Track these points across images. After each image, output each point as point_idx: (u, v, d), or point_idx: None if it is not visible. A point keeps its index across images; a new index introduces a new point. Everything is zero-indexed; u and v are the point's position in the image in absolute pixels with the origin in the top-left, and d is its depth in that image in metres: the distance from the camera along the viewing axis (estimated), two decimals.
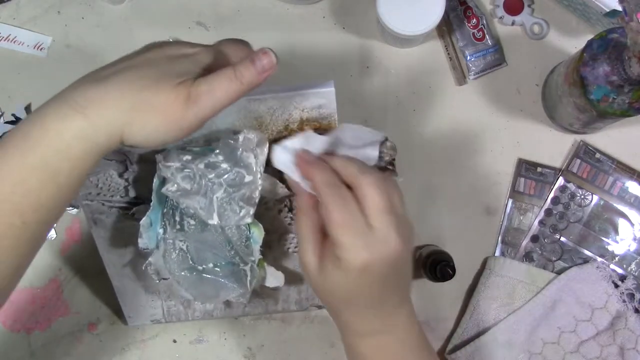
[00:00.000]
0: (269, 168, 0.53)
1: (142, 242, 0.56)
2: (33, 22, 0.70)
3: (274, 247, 0.62)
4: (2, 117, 0.70)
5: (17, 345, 0.69)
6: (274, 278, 0.59)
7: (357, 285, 0.44)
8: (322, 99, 0.56)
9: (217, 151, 0.52)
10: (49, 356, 0.69)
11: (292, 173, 0.49)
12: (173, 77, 0.40)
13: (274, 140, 0.55)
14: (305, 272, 0.47)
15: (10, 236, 0.39)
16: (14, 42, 0.70)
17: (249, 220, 0.53)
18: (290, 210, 0.60)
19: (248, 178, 0.52)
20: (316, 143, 0.49)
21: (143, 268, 0.60)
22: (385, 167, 0.54)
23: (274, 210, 0.60)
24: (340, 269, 0.44)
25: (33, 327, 0.69)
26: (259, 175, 0.53)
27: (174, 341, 0.70)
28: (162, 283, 0.63)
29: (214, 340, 0.70)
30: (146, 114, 0.40)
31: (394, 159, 0.55)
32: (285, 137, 0.54)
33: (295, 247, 0.62)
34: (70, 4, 0.70)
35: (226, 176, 0.52)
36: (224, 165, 0.52)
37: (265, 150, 0.53)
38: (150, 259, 0.59)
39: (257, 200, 0.53)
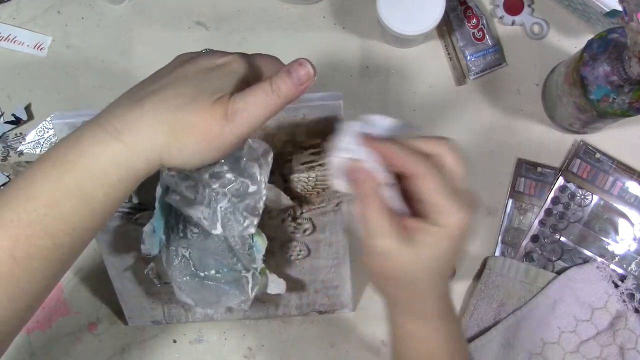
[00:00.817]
0: (273, 177, 0.53)
1: (145, 248, 0.56)
2: (33, 22, 0.70)
3: (277, 255, 0.62)
4: (2, 117, 0.70)
5: (17, 345, 0.69)
6: (275, 285, 0.59)
7: (454, 249, 0.43)
8: (330, 111, 0.55)
9: (222, 161, 0.52)
10: (49, 356, 0.69)
11: (357, 154, 0.44)
12: (209, 95, 0.39)
13: (279, 154, 0.55)
14: (380, 257, 0.43)
15: (41, 257, 0.39)
16: (14, 42, 0.70)
17: (252, 230, 0.52)
18: (294, 219, 0.60)
19: (252, 188, 0.51)
20: (381, 123, 0.45)
21: (145, 273, 0.60)
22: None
23: (277, 219, 0.59)
24: (438, 236, 0.42)
25: (33, 327, 0.69)
26: (263, 185, 0.52)
27: (174, 341, 0.70)
28: (164, 287, 0.63)
29: (214, 340, 0.70)
30: (184, 136, 0.38)
31: None
32: (290, 152, 0.55)
33: (298, 254, 0.62)
34: (70, 4, 0.70)
35: (230, 186, 0.51)
36: (229, 175, 0.51)
37: (270, 160, 0.52)
38: (151, 264, 0.59)
39: (261, 211, 0.52)
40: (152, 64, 0.75)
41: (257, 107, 0.39)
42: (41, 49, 0.70)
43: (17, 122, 0.69)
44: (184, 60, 0.42)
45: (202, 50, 0.47)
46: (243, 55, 0.42)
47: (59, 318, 0.69)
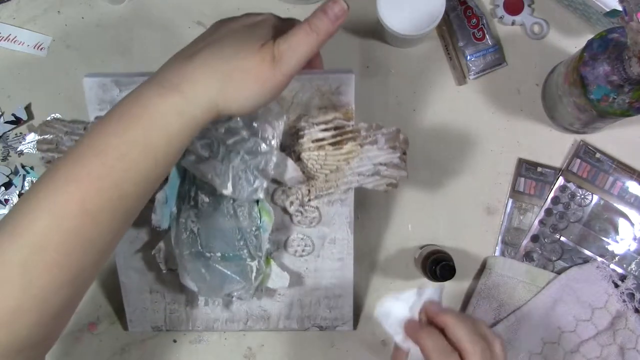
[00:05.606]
0: (285, 154, 0.55)
1: (156, 219, 0.57)
2: (33, 22, 0.70)
3: (281, 250, 0.62)
4: (2, 117, 0.70)
5: None
6: (278, 279, 0.60)
7: None
8: (342, 84, 0.57)
9: (238, 118, 0.53)
10: (49, 356, 0.69)
11: (397, 334, 0.51)
12: (255, 42, 0.42)
13: (295, 128, 0.56)
14: None
15: (108, 209, 0.41)
16: (14, 42, 0.70)
17: (261, 195, 0.54)
18: (302, 204, 0.60)
19: (264, 148, 0.54)
20: (424, 294, 0.51)
21: (152, 254, 0.60)
22: (398, 160, 0.56)
23: (286, 202, 0.60)
24: None
25: None
26: (275, 146, 0.54)
27: (174, 341, 0.70)
28: (168, 281, 0.63)
29: (214, 340, 0.70)
30: (239, 81, 0.41)
31: (405, 152, 0.56)
32: (302, 127, 0.56)
33: (303, 250, 0.62)
34: (70, 4, 0.70)
35: (244, 143, 0.53)
36: (243, 132, 0.53)
37: (282, 123, 0.55)
38: (160, 243, 0.59)
39: (271, 174, 0.54)
40: (152, 64, 0.75)
41: (300, 45, 0.42)
42: (41, 49, 0.70)
43: (17, 122, 0.69)
44: (223, 22, 0.45)
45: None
46: (273, 14, 0.46)
47: None
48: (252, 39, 0.42)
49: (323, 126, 0.57)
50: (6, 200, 0.70)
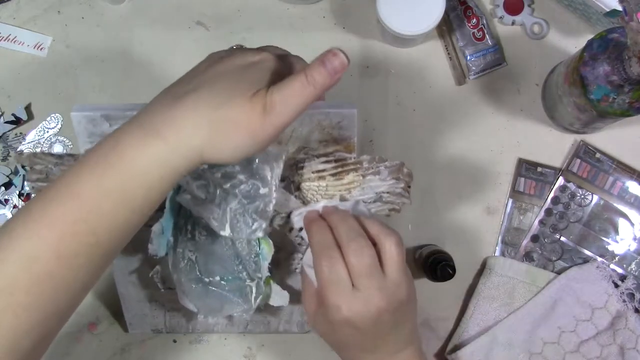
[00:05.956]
0: (284, 184, 0.54)
1: (152, 249, 0.56)
2: (33, 22, 0.70)
3: (282, 266, 0.61)
4: (2, 117, 0.70)
5: None
6: (279, 297, 0.59)
7: (344, 335, 0.49)
8: (344, 119, 0.56)
9: None
10: (49, 356, 0.69)
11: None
12: (246, 89, 0.40)
13: (295, 160, 0.56)
14: (306, 315, 0.50)
15: (84, 254, 0.39)
16: (14, 42, 0.70)
17: (260, 234, 0.52)
18: (301, 229, 0.60)
19: (263, 190, 0.52)
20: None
21: (150, 276, 0.59)
22: (402, 191, 0.55)
23: (284, 229, 0.59)
24: (327, 320, 0.49)
25: None
26: (274, 188, 0.52)
27: (174, 341, 0.70)
28: (167, 294, 0.62)
29: (214, 340, 0.70)
30: (227, 131, 0.39)
31: (409, 185, 0.55)
32: (302, 159, 0.56)
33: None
34: (70, 4, 0.70)
35: (241, 187, 0.51)
36: (240, 176, 0.51)
37: (281, 164, 0.52)
38: (157, 267, 0.59)
39: (270, 214, 0.52)
40: (152, 64, 0.75)
41: (294, 97, 0.40)
42: (41, 49, 0.70)
43: (17, 122, 0.69)
44: (217, 58, 0.43)
45: (232, 47, 0.48)
46: (272, 53, 0.43)
47: None
48: (244, 84, 0.40)
49: (324, 158, 0.55)
50: (6, 200, 0.69)
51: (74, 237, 0.39)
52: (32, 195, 0.69)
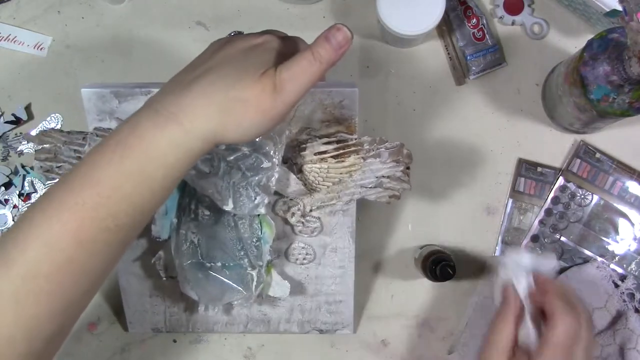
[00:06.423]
0: (287, 166, 0.55)
1: (155, 230, 0.57)
2: (33, 22, 0.70)
3: (282, 258, 0.62)
4: (2, 117, 0.70)
5: None
6: (279, 287, 0.59)
7: None
8: (345, 98, 0.57)
9: None
10: None
11: (518, 282, 0.50)
12: (255, 70, 0.41)
13: (297, 141, 0.56)
14: None
15: (103, 240, 0.40)
16: (14, 42, 0.70)
17: (262, 210, 0.53)
18: (303, 215, 0.60)
19: (266, 164, 0.53)
20: (547, 262, 0.52)
21: (152, 262, 0.60)
22: (402, 175, 0.55)
23: (287, 214, 0.60)
24: None
25: None
26: (276, 162, 0.53)
27: (174, 341, 0.70)
28: (168, 286, 0.63)
29: (214, 340, 0.70)
30: (238, 112, 0.40)
31: (409, 167, 0.56)
32: (305, 140, 0.56)
33: (304, 258, 0.62)
34: (70, 4, 0.70)
35: (245, 160, 0.53)
36: (244, 149, 0.53)
37: (284, 139, 0.54)
38: (160, 252, 0.59)
39: (273, 190, 0.53)
40: (152, 64, 0.75)
41: (302, 74, 0.41)
42: (41, 49, 0.70)
43: (17, 122, 0.69)
44: (221, 44, 0.44)
45: (230, 33, 0.48)
46: (274, 34, 0.44)
47: None
48: (252, 66, 0.41)
49: (325, 139, 0.57)
50: (6, 200, 0.69)
51: (94, 223, 0.39)
52: (38, 182, 0.69)
